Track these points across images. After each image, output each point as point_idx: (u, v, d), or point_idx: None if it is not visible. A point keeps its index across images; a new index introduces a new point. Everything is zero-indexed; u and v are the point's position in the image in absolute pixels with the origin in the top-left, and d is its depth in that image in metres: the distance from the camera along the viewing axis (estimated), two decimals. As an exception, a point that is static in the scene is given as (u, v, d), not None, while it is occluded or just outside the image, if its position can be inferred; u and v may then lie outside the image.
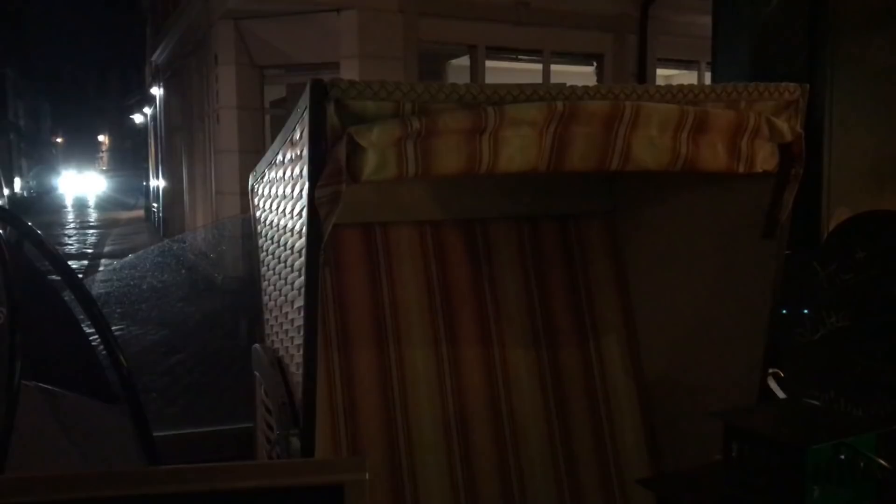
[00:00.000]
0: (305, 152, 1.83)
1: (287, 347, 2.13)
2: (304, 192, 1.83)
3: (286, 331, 2.16)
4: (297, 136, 1.90)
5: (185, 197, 17.70)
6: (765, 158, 2.12)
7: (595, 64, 11.94)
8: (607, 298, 2.83)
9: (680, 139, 2.01)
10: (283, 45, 10.97)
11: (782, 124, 2.10)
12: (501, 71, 11.32)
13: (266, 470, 1.63)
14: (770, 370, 2.36)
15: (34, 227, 1.82)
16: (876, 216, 2.46)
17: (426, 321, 2.64)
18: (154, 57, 21.21)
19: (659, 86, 2.05)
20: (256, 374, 2.44)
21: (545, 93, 1.90)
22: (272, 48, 11.17)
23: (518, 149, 1.89)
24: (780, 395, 2.35)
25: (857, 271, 2.41)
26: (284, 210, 2.08)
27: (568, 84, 2.00)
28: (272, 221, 2.28)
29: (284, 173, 2.07)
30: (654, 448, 2.75)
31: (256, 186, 2.47)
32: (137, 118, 38.23)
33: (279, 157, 2.11)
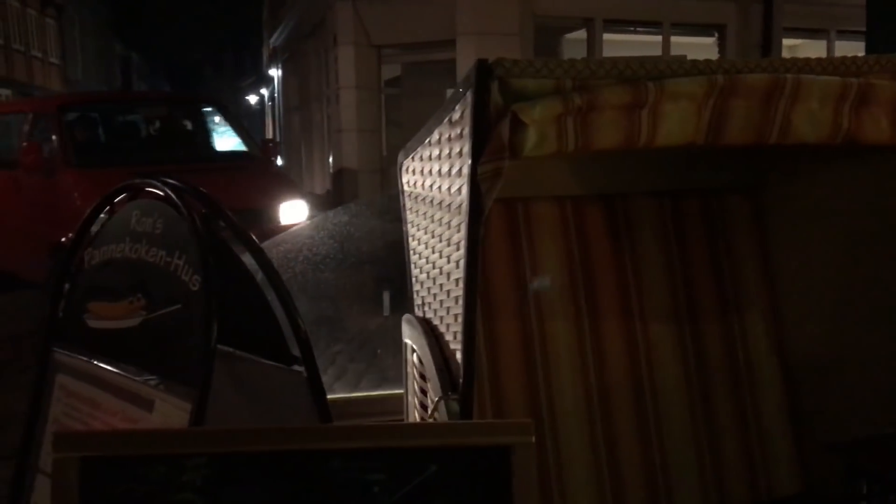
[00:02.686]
0: (466, 131, 1.90)
1: (442, 317, 2.22)
2: (464, 170, 1.90)
3: (441, 301, 2.26)
4: (458, 115, 1.98)
5: (303, 174, 18.23)
6: (932, 131, 2.06)
7: (717, 34, 11.58)
8: (752, 275, 2.80)
9: (842, 112, 1.98)
10: (400, 25, 11.12)
11: (952, 95, 2.03)
12: (619, 44, 11.12)
13: (444, 430, 1.73)
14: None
15: (219, 203, 1.96)
16: None
17: (567, 295, 2.68)
18: (272, 39, 21.85)
19: (820, 58, 2.02)
20: (408, 342, 2.55)
21: (705, 66, 1.91)
22: (389, 28, 11.34)
23: (677, 123, 1.90)
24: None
25: None
26: (441, 187, 2.16)
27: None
28: (425, 198, 2.37)
29: (441, 152, 2.15)
30: (798, 423, 2.72)
31: (407, 164, 2.56)
32: (252, 98, 39.50)
33: (434, 136, 2.19)
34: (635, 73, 1.87)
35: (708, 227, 2.82)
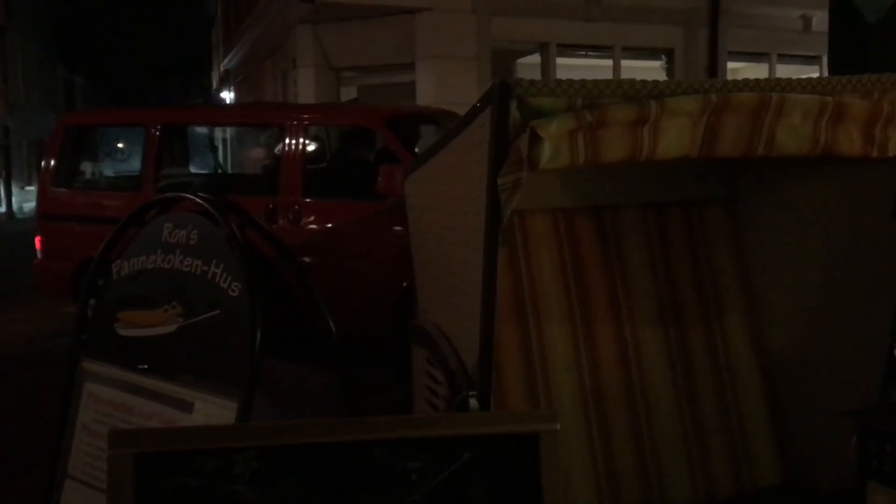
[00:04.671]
0: (483, 143, 2.06)
1: (457, 320, 2.36)
2: (482, 178, 2.05)
3: (453, 306, 2.40)
4: (474, 128, 2.13)
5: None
6: (896, 144, 2.29)
7: (665, 58, 12.00)
8: (730, 281, 3.01)
9: (820, 127, 2.20)
10: (360, 48, 11.27)
11: (914, 112, 2.26)
12: (571, 68, 11.45)
13: (477, 419, 1.87)
14: (896, 343, 2.52)
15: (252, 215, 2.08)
16: None
17: (562, 301, 2.85)
18: (225, 62, 21.80)
19: (800, 78, 2.24)
20: (416, 348, 2.68)
21: (699, 86, 2.10)
22: (349, 51, 11.48)
23: (675, 137, 2.09)
24: (908, 365, 2.51)
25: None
26: (456, 195, 2.31)
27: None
28: (435, 207, 2.52)
29: (455, 163, 2.30)
30: (778, 418, 2.92)
31: (415, 176, 2.71)
32: (200, 122, 39.08)
33: (449, 148, 2.35)
34: (638, 92, 2.06)
35: (689, 236, 3.02)
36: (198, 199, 2.10)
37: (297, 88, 11.97)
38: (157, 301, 2.15)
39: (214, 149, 8.56)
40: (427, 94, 10.21)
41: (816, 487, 2.79)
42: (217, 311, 2.01)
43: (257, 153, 7.80)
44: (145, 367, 2.14)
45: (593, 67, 11.99)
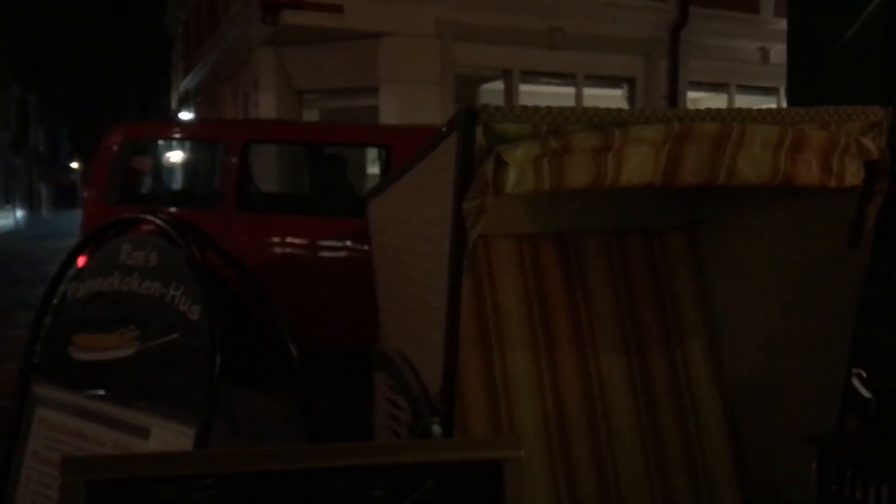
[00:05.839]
0: (448, 167, 2.05)
1: (420, 345, 2.35)
2: (447, 203, 2.05)
3: (416, 331, 2.38)
4: (440, 152, 2.13)
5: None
6: (853, 174, 2.34)
7: (626, 87, 12.19)
8: (691, 307, 3.03)
9: (780, 157, 2.23)
10: (323, 71, 11.27)
11: (869, 143, 2.32)
12: (534, 95, 11.57)
13: (440, 446, 1.84)
14: (854, 370, 2.55)
15: (212, 237, 2.05)
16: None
17: (525, 327, 2.85)
18: (184, 82, 21.65)
19: (760, 109, 2.28)
20: (378, 374, 2.65)
21: (662, 115, 2.13)
22: (311, 73, 11.47)
23: (638, 165, 2.11)
24: (865, 394, 2.54)
25: (932, 279, 2.61)
26: (420, 219, 2.31)
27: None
28: (398, 232, 2.51)
29: (420, 188, 2.30)
30: (738, 443, 2.94)
31: (378, 200, 2.70)
32: (159, 143, 38.66)
33: (412, 173, 2.34)
34: (603, 120, 2.08)
35: (650, 262, 3.05)
36: (157, 220, 2.06)
37: (259, 111, 11.92)
38: (114, 324, 2.10)
39: (299, 168, 8.00)
40: (390, 117, 10.23)
41: None
42: (176, 335, 1.97)
43: (350, 174, 7.19)
44: (100, 392, 2.08)
45: (556, 95, 12.13)
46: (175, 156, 7.42)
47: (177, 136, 7.31)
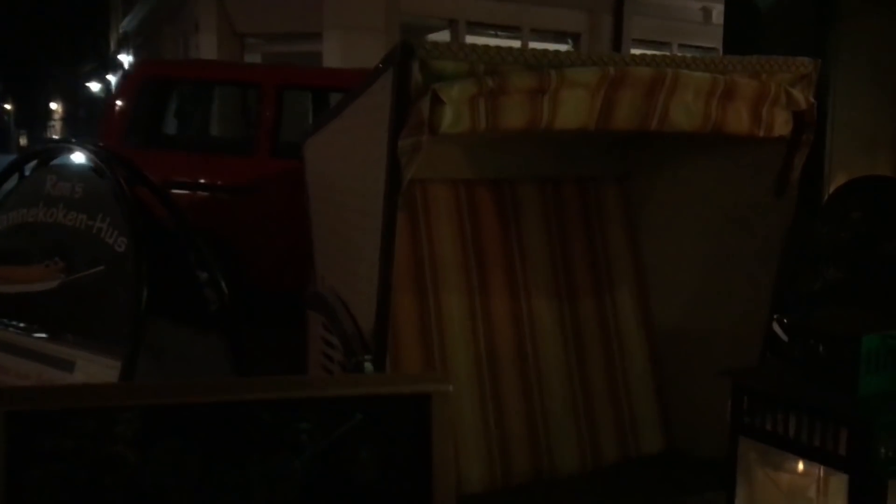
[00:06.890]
0: (385, 105, 2.04)
1: (354, 286, 2.34)
2: (382, 142, 2.04)
3: (350, 272, 2.38)
4: (376, 90, 2.11)
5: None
6: (781, 125, 2.39)
7: (571, 42, 12.20)
8: (622, 255, 3.09)
9: (711, 105, 2.27)
10: (266, 14, 11.01)
11: (798, 94, 2.37)
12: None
13: (370, 381, 1.86)
14: (775, 316, 2.64)
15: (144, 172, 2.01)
16: (871, 180, 2.75)
17: (461, 271, 2.86)
18: (123, 23, 20.94)
19: (694, 56, 2.30)
20: (312, 314, 2.65)
21: (598, 58, 2.14)
22: (254, 16, 11.21)
23: (573, 109, 2.12)
24: (785, 339, 2.63)
25: (853, 230, 2.70)
26: (355, 159, 2.29)
27: None
28: (334, 173, 2.48)
29: (355, 126, 2.28)
30: (662, 388, 3.03)
31: (312, 142, 2.66)
32: (94, 86, 37.41)
33: (348, 112, 2.32)
34: (539, 61, 2.08)
35: (584, 211, 3.09)
36: (83, 150, 2.01)
37: (199, 53, 11.61)
38: (38, 256, 2.05)
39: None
40: (333, 64, 10.06)
41: (697, 455, 2.90)
42: (101, 268, 1.93)
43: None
44: (22, 324, 2.04)
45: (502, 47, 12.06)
46: (201, 98, 6.87)
47: (204, 77, 6.77)
